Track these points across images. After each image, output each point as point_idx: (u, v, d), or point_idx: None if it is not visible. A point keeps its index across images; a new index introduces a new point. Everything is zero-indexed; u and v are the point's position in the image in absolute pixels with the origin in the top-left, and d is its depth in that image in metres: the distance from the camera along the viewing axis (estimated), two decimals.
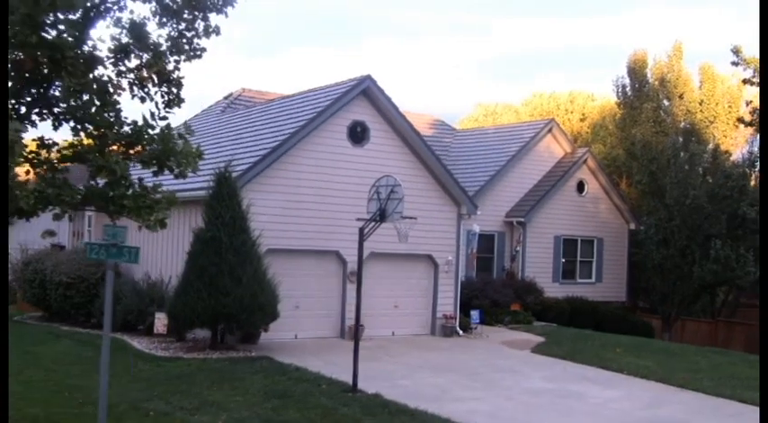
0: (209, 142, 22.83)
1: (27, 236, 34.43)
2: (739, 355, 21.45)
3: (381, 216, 13.41)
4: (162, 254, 20.02)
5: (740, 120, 23.57)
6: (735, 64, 22.46)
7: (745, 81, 22.22)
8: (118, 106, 9.78)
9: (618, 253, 30.32)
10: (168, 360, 15.69)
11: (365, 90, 19.83)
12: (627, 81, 28.91)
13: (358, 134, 19.85)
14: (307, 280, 19.25)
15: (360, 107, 19.92)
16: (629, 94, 28.99)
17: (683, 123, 28.00)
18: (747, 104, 23.58)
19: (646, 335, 27.70)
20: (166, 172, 10.03)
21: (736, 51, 22.35)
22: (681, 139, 26.72)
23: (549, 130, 29.25)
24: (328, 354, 17.25)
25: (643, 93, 28.42)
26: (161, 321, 17.27)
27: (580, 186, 29.33)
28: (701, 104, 27.83)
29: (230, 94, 28.36)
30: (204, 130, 25.37)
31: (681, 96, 28.20)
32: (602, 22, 78.69)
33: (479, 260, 27.36)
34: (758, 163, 23.20)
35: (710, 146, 27.49)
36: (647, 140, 27.69)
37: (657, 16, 72.25)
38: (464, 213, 21.57)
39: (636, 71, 28.50)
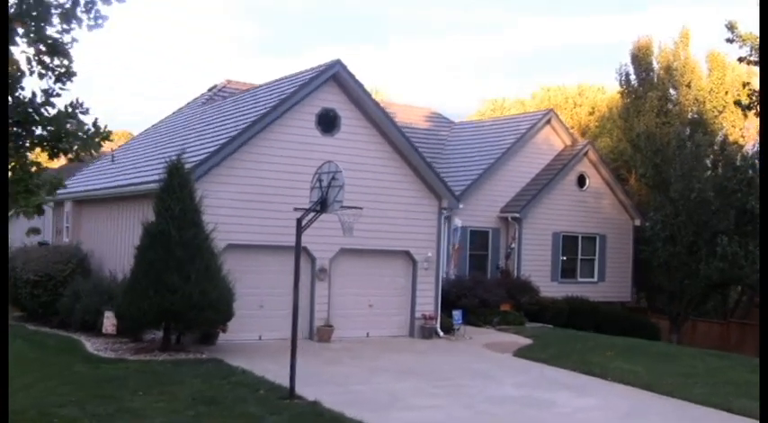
0: (178, 135, 21.85)
1: (12, 235, 33.80)
2: (742, 359, 19.92)
3: (322, 206, 12.24)
4: (119, 249, 19.05)
5: (737, 103, 22.01)
6: (730, 41, 20.87)
7: (740, 59, 20.66)
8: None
9: (622, 250, 28.82)
10: (110, 362, 14.65)
11: (335, 76, 18.66)
12: (630, 69, 27.40)
13: (327, 122, 18.69)
14: (272, 277, 18.10)
15: (330, 94, 18.76)
16: (634, 82, 27.46)
17: (690, 113, 26.40)
18: (745, 86, 21.98)
19: (652, 337, 26.23)
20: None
21: (731, 27, 20.76)
22: (687, 130, 25.14)
23: (548, 122, 27.84)
24: (289, 356, 16.06)
25: (647, 81, 26.87)
26: (110, 321, 16.27)
27: (581, 180, 27.88)
28: (709, 93, 26.23)
29: (214, 86, 27.35)
30: (177, 123, 24.41)
31: (688, 85, 26.61)
32: (616, 20, 76.81)
33: (473, 258, 26.11)
34: None
35: (719, 137, 25.87)
36: (650, 131, 26.15)
37: (669, 13, 70.14)
38: (445, 207, 20.28)
39: (640, 58, 26.96)
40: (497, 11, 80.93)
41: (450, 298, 23.15)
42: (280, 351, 16.66)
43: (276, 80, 20.97)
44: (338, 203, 12.02)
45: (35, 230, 30.57)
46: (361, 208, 13.37)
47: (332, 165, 12.26)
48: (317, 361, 15.74)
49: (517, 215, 26.09)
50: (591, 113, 39.71)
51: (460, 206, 20.64)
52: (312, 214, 12.67)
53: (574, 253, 27.88)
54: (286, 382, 12.81)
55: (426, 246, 19.99)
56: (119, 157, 24.60)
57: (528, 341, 20.04)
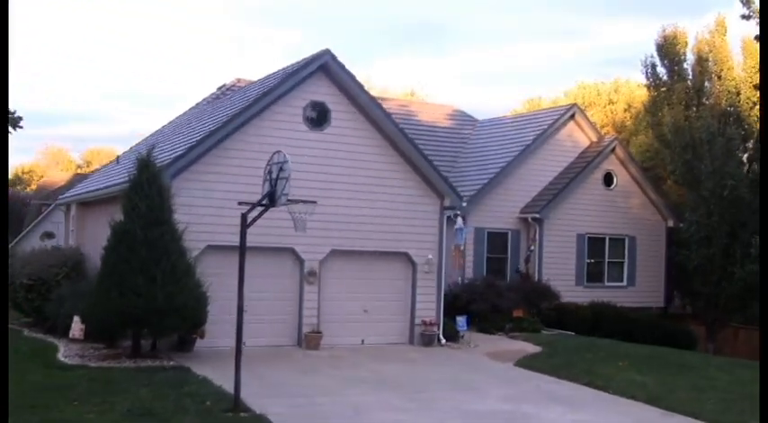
0: (177, 134, 21.11)
1: (29, 240, 33.78)
2: None
3: (271, 199, 11.15)
4: (95, 252, 18.33)
5: (756, 87, 20.10)
6: (745, 17, 18.99)
7: (757, 37, 18.80)
8: None
9: (654, 253, 27.01)
10: (69, 369, 13.84)
11: (324, 67, 17.61)
12: (657, 60, 25.62)
13: (316, 116, 17.64)
14: (258, 281, 17.04)
15: (319, 86, 17.72)
16: (661, 74, 25.66)
17: (724, 105, 24.47)
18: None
19: (686, 345, 24.40)
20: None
21: (746, 1, 18.88)
22: (716, 123, 23.25)
23: (572, 117, 26.27)
24: (266, 365, 15.08)
25: (675, 72, 25.05)
26: (77, 325, 15.55)
27: (607, 178, 26.22)
28: (743, 83, 24.29)
29: (223, 85, 26.61)
30: (182, 122, 23.72)
31: (719, 76, 24.65)
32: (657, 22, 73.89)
33: (491, 261, 24.73)
34: None
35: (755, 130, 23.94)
36: (678, 125, 24.33)
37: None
38: (448, 206, 19.01)
39: (666, 48, 25.14)
40: (559, 15, 78.66)
41: (460, 303, 21.85)
42: (260, 359, 15.71)
43: (270, 74, 20.04)
44: (284, 196, 10.93)
45: (49, 235, 30.41)
46: (314, 202, 12.24)
47: (280, 155, 11.19)
48: (292, 370, 14.69)
49: (537, 215, 24.60)
50: (626, 110, 37.78)
51: (464, 204, 19.37)
52: (260, 209, 11.52)
53: (600, 256, 26.23)
54: (245, 394, 11.75)
55: (427, 247, 18.74)
56: (126, 158, 24.05)
57: (537, 349, 18.62)
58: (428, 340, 18.45)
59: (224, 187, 16.57)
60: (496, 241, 24.88)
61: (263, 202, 11.33)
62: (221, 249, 16.63)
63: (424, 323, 18.49)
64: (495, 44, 66.43)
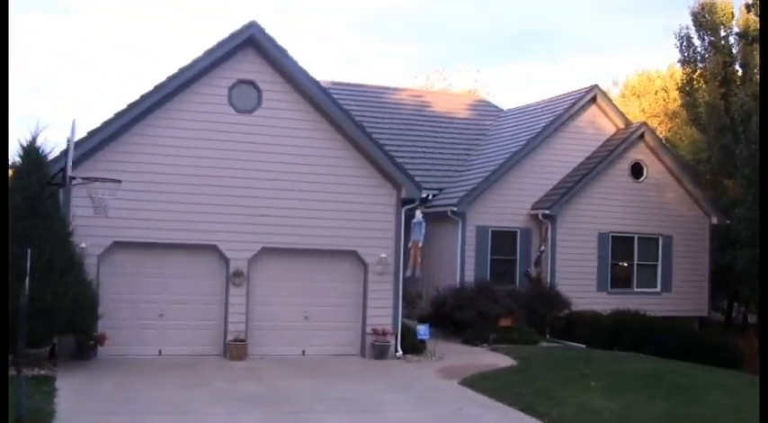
0: None
1: None
2: None
3: (63, 177, 9.25)
4: None
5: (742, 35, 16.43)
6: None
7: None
8: None
9: (695, 254, 23.46)
10: None
11: (253, 41, 15.65)
12: (692, 31, 22.04)
13: (244, 98, 15.69)
14: (176, 282, 15.34)
15: (248, 63, 15.77)
16: (698, 48, 22.09)
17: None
18: None
19: (728, 362, 20.85)
20: None
21: None
22: (752, 101, 19.61)
23: (593, 100, 23.16)
24: (155, 377, 13.24)
25: (713, 44, 21.43)
26: None
27: (636, 169, 22.94)
28: None
29: None
30: None
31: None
32: None
33: (495, 263, 22.02)
34: None
35: None
36: (714, 103, 20.82)
37: None
38: (406, 198, 16.61)
39: (702, 18, 21.50)
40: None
41: (445, 310, 19.40)
42: (168, 369, 13.92)
43: None
44: (70, 177, 9.01)
45: None
46: (119, 181, 10.22)
47: (72, 123, 9.28)
48: (179, 384, 12.73)
49: (547, 212, 21.68)
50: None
51: (423, 195, 16.84)
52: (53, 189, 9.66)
53: (628, 257, 22.96)
54: (67, 408, 9.91)
55: (380, 244, 16.39)
56: None
57: (509, 364, 15.92)
58: (380, 352, 16.08)
59: (138, 177, 14.86)
60: (503, 241, 22.11)
61: (55, 181, 9.43)
62: (132, 246, 14.99)
63: (376, 332, 16.13)
64: (609, 49, 62.63)
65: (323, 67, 60.33)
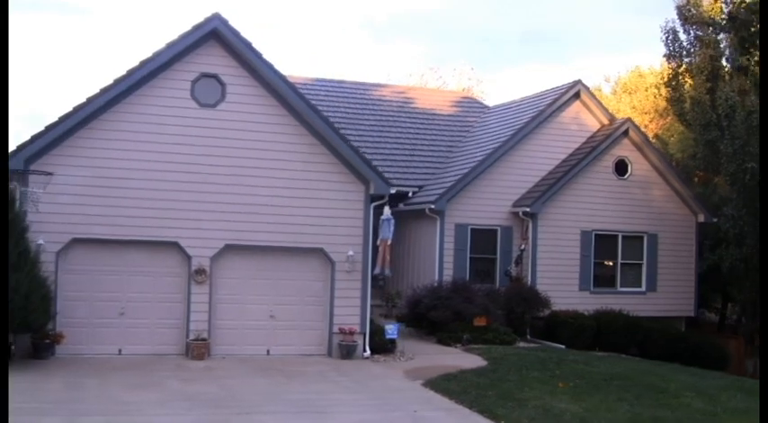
0: None
1: None
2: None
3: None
4: None
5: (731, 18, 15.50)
6: None
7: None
8: None
9: (682, 253, 23.00)
10: None
11: (216, 34, 15.30)
12: (677, 24, 21.53)
13: (207, 91, 15.33)
14: (137, 279, 14.99)
15: (211, 56, 15.41)
16: (683, 41, 21.54)
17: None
18: None
19: (715, 363, 20.44)
20: None
21: None
22: (737, 95, 19.10)
23: (577, 96, 22.72)
24: (104, 376, 12.87)
25: (699, 38, 20.89)
26: None
27: (620, 166, 22.50)
28: None
29: None
30: None
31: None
32: None
33: (476, 262, 21.65)
34: None
35: None
36: (699, 98, 20.35)
37: None
38: (375, 194, 16.23)
39: (688, 11, 20.93)
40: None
41: (420, 310, 19.02)
42: (124, 369, 13.60)
43: None
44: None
45: None
46: (50, 173, 9.84)
47: None
48: (124, 384, 12.36)
49: (528, 209, 21.27)
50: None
51: (392, 191, 16.44)
52: None
53: (612, 256, 22.53)
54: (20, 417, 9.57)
55: (348, 242, 16.01)
56: None
57: (479, 365, 15.52)
58: (347, 352, 15.70)
59: (97, 172, 14.63)
60: (483, 240, 21.73)
61: None
62: (91, 243, 14.66)
63: (342, 332, 15.76)
64: (617, 50, 61.96)
65: (331, 66, 60.04)
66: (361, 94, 25.99)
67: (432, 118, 26.01)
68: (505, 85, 58.97)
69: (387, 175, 22.07)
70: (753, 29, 20.20)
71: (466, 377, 14.14)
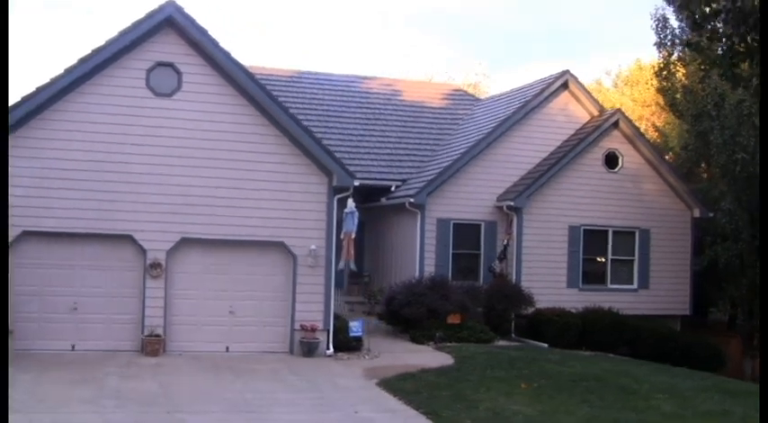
0: None
1: None
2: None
3: None
4: None
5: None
6: None
7: None
8: None
9: (677, 249, 22.13)
10: None
11: (171, 22, 14.85)
12: (668, 11, 20.69)
13: (163, 80, 14.90)
14: (90, 274, 14.62)
15: (168, 45, 14.98)
16: (675, 29, 20.71)
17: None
18: None
19: (709, 363, 19.60)
20: None
21: None
22: (728, 85, 18.21)
23: (565, 86, 21.95)
24: (58, 372, 12.52)
25: (690, 24, 20.07)
26: None
27: (610, 159, 21.71)
28: None
29: None
30: None
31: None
32: None
33: (459, 258, 21.02)
34: None
35: None
36: (692, 87, 19.52)
37: None
38: (338, 186, 15.69)
39: None
40: None
41: (393, 307, 18.45)
42: (68, 365, 13.26)
43: None
44: None
45: None
46: None
47: None
48: (62, 381, 12.03)
49: (512, 203, 20.59)
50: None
51: (356, 183, 15.87)
52: None
53: (602, 252, 21.77)
54: None
55: (310, 235, 15.48)
56: None
57: (444, 364, 14.94)
58: (309, 349, 15.19)
59: (47, 164, 14.33)
60: (466, 235, 21.08)
61: None
62: (43, 236, 14.33)
63: (304, 328, 15.25)
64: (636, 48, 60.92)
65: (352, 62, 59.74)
66: (347, 86, 25.45)
67: (420, 111, 25.39)
68: (514, 80, 58.20)
69: (370, 168, 21.75)
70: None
71: (424, 377, 13.57)
